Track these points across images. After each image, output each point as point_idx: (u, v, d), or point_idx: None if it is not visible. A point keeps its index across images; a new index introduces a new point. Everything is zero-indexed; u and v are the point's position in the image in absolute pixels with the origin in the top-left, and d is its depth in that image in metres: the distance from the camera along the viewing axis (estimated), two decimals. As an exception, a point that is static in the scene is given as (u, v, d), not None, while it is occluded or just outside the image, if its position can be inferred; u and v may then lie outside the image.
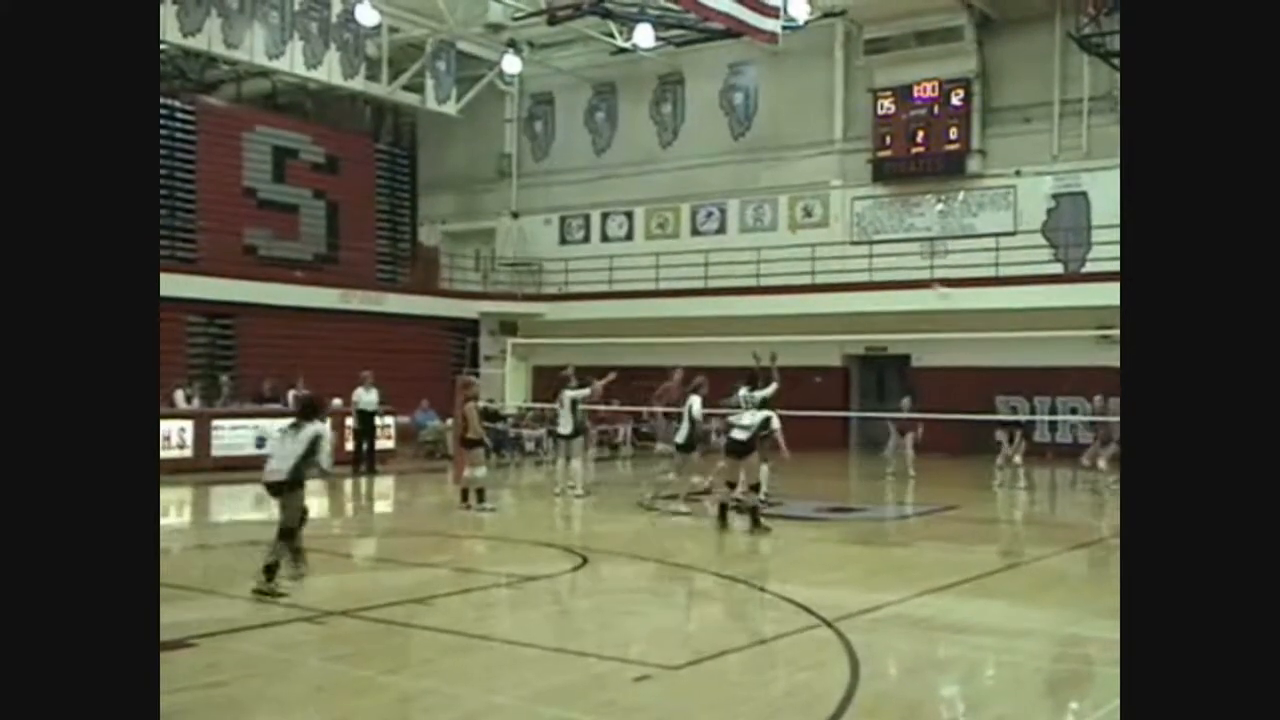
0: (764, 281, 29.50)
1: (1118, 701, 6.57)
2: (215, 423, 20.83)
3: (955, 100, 28.19)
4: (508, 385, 28.60)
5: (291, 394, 23.32)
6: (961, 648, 8.38)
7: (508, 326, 31.60)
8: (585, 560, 11.40)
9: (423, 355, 28.64)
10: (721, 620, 8.94)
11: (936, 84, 28.29)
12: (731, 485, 13.32)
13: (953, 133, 28.32)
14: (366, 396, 18.00)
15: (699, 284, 30.46)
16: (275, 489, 9.24)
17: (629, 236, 33.69)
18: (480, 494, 15.14)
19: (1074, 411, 25.56)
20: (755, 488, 13.30)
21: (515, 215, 35.24)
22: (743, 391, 14.18)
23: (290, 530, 9.23)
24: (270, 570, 9.07)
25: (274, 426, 9.84)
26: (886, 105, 28.98)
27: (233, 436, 20.93)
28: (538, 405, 27.37)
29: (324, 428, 9.36)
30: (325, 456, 9.27)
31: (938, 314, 24.94)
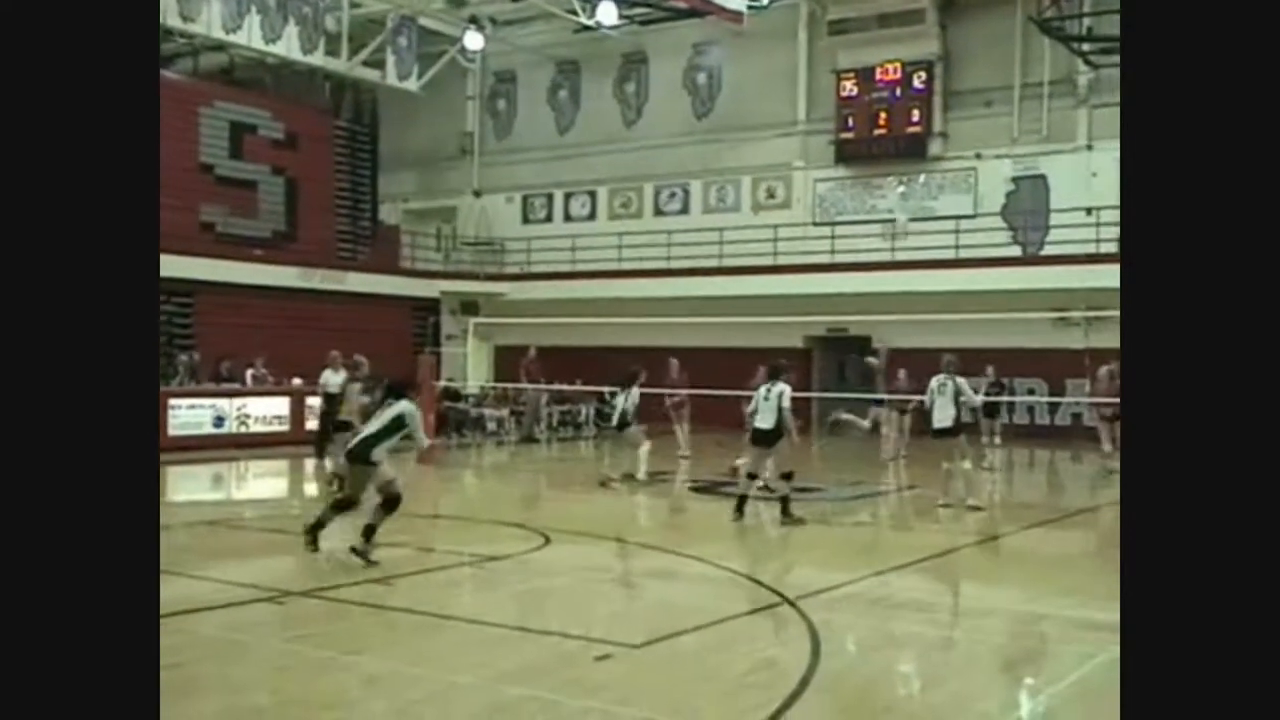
0: (726, 262, 29.53)
1: (1072, 677, 6.68)
2: (172, 402, 20.62)
3: (917, 83, 28.29)
4: (469, 365, 28.50)
5: (250, 373, 23.19)
6: (921, 626, 8.44)
7: (469, 306, 31.47)
8: (547, 540, 11.39)
9: (383, 335, 28.43)
10: (683, 599, 8.97)
11: (899, 66, 28.37)
12: (753, 476, 13.02)
13: (914, 115, 28.42)
14: (334, 378, 17.81)
15: (662, 264, 30.44)
16: (351, 458, 9.91)
17: (592, 216, 33.61)
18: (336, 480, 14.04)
19: (1031, 392, 25.81)
20: (787, 476, 12.80)
21: (477, 194, 35.06)
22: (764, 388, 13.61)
23: (394, 499, 9.75)
24: (370, 532, 9.58)
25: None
26: (849, 87, 29.03)
27: (189, 416, 20.76)
28: (500, 385, 27.33)
29: (409, 406, 9.90)
30: (418, 433, 9.95)
31: (898, 296, 25.07)
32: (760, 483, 13.12)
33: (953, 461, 14.32)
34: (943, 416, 14.18)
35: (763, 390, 12.81)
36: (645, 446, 16.35)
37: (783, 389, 12.69)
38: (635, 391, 16.57)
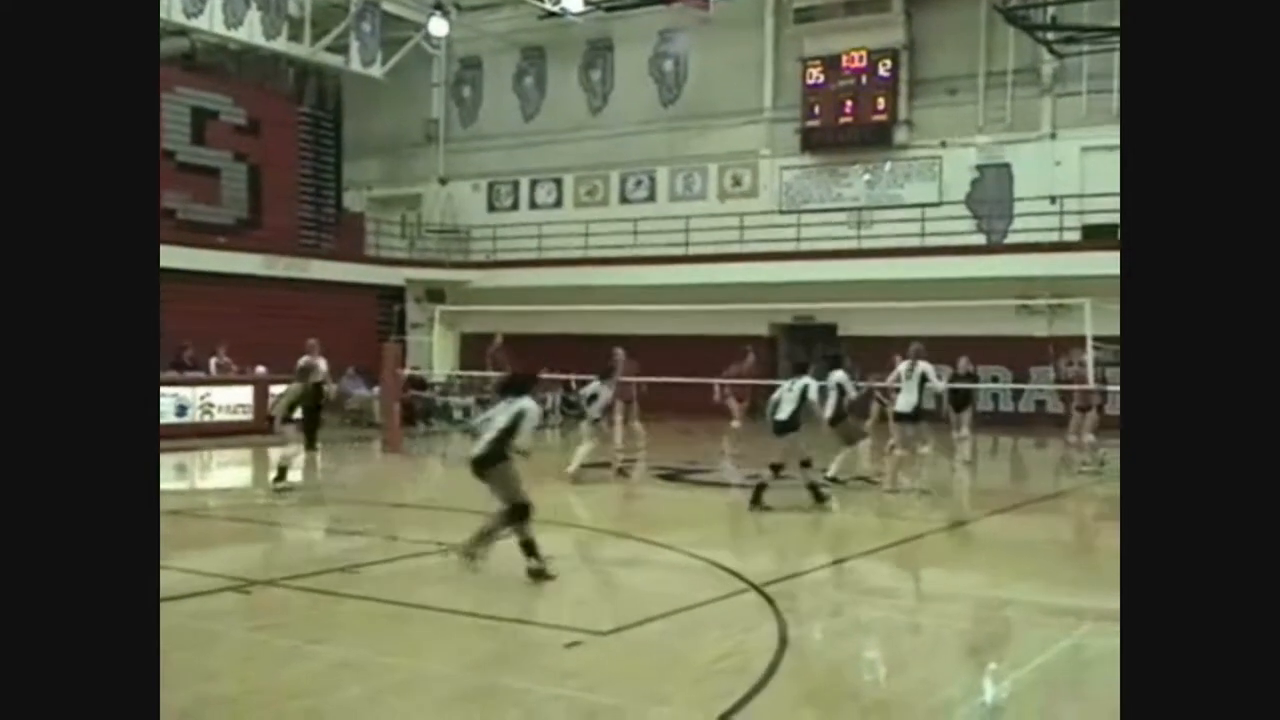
0: (693, 250, 29.56)
1: (1036, 661, 6.75)
2: (136, 390, 20.40)
3: (883, 71, 28.38)
4: (435, 353, 28.40)
5: (213, 362, 23.01)
6: (887, 611, 8.51)
7: (435, 294, 31.35)
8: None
9: (348, 323, 28.30)
10: (652, 586, 8.99)
11: (865, 54, 28.46)
12: (776, 468, 12.97)
13: (880, 103, 28.52)
14: (321, 365, 17.62)
15: (628, 252, 30.43)
16: (477, 466, 8.81)
17: (558, 204, 33.55)
18: (282, 472, 13.61)
19: (995, 380, 25.98)
20: (807, 464, 12.81)
21: (443, 181, 34.92)
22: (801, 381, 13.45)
23: (520, 507, 8.72)
24: (530, 548, 8.68)
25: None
26: (815, 75, 29.10)
27: (152, 404, 20.56)
28: (466, 373, 27.25)
29: (532, 405, 8.93)
30: (526, 435, 8.79)
31: (864, 283, 25.17)
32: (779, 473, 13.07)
33: (909, 448, 14.48)
34: (905, 402, 14.35)
35: (786, 384, 12.90)
36: (587, 445, 15.63)
37: (806, 383, 12.77)
38: (601, 385, 16.06)
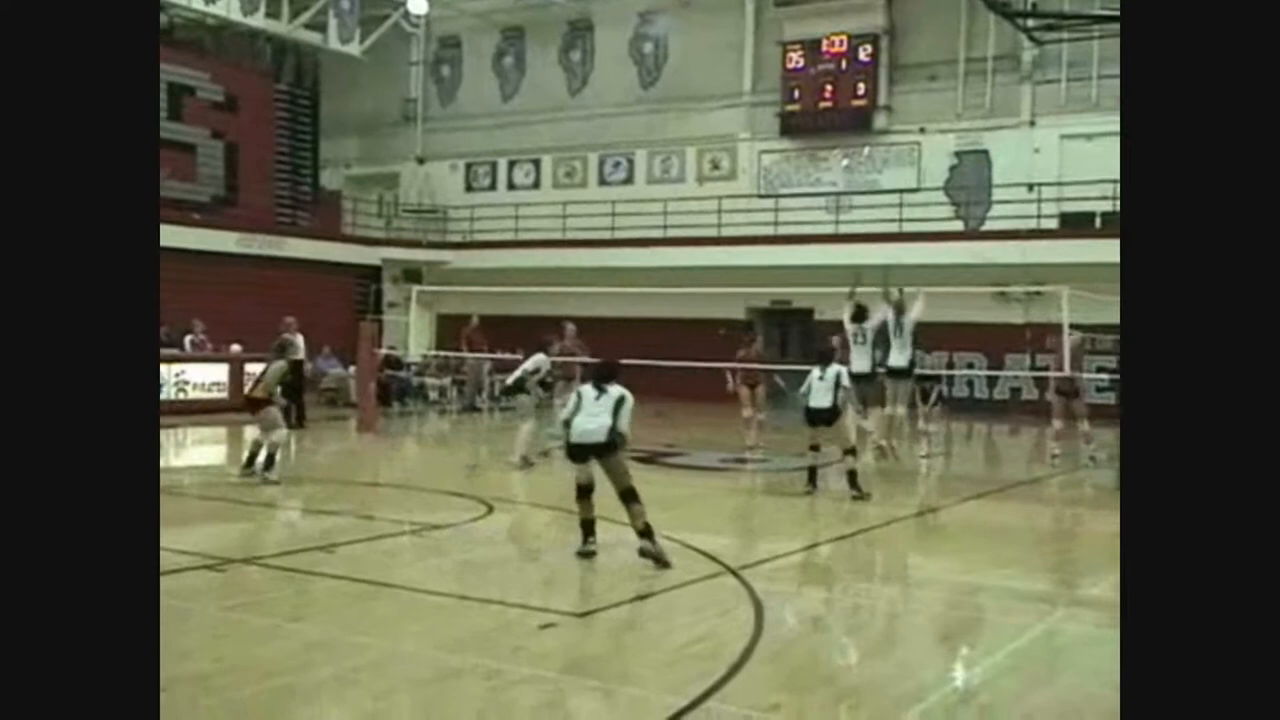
0: (671, 233, 29.52)
1: (1009, 647, 6.78)
2: (109, 367, 20.26)
3: (863, 55, 28.37)
4: (411, 334, 28.33)
5: (188, 339, 22.87)
6: (862, 596, 8.55)
7: (412, 274, 31.23)
8: (490, 509, 11.38)
9: (324, 302, 28.17)
10: (627, 568, 8.98)
11: (845, 39, 28.44)
12: (815, 448, 13.00)
13: (860, 88, 28.52)
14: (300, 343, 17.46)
15: (606, 234, 30.38)
16: (597, 451, 8.87)
17: (536, 185, 33.45)
18: (270, 460, 12.97)
19: (971, 366, 26.09)
20: (851, 451, 12.86)
21: (421, 161, 34.77)
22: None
23: (630, 490, 8.80)
24: (646, 533, 8.70)
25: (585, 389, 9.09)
26: (795, 59, 29.06)
27: (127, 382, 20.41)
28: (442, 354, 27.18)
29: (627, 393, 9.06)
30: (625, 420, 8.91)
31: (841, 268, 25.16)
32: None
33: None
34: (861, 364, 15.08)
35: (816, 372, 12.84)
36: (527, 425, 15.22)
37: (839, 370, 12.83)
38: (542, 360, 15.49)
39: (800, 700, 5.68)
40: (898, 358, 15.58)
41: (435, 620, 7.13)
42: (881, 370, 15.71)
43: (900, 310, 15.58)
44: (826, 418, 12.76)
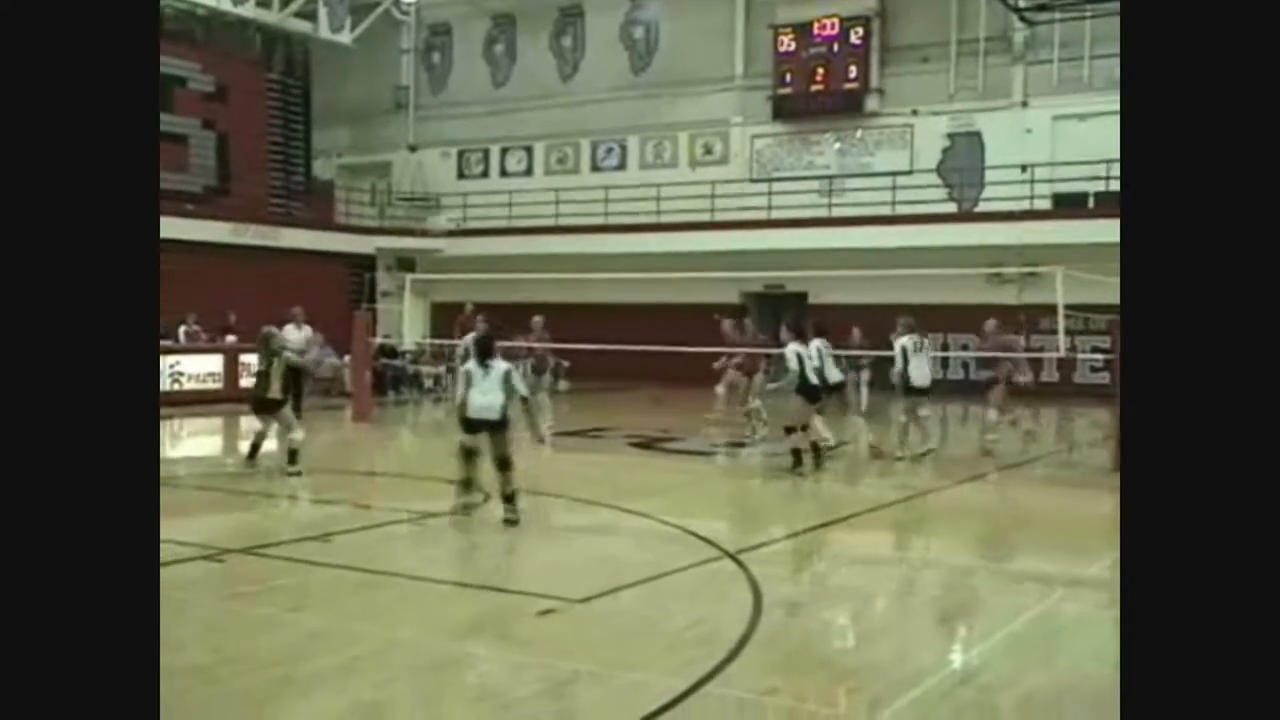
0: (663, 218, 29.53)
1: (1005, 630, 6.80)
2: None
3: (854, 38, 28.34)
4: (405, 322, 28.28)
5: (182, 330, 22.84)
6: (858, 579, 8.57)
7: (405, 262, 31.20)
8: (486, 496, 11.37)
9: (318, 291, 28.11)
10: (625, 554, 9.01)
11: (836, 21, 28.40)
12: (805, 428, 13.20)
13: (852, 71, 28.49)
14: (297, 335, 17.33)
15: (599, 220, 30.37)
16: (491, 426, 9.80)
17: (528, 172, 33.42)
18: (293, 455, 12.78)
19: (965, 348, 26.11)
20: (791, 430, 13.17)
21: (413, 149, 34.71)
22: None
23: (506, 459, 9.81)
24: (511, 499, 9.75)
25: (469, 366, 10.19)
26: (787, 42, 29.02)
27: (122, 373, 20.37)
28: (436, 342, 27.15)
29: (509, 365, 10.20)
30: (521, 388, 10.08)
31: (835, 252, 25.20)
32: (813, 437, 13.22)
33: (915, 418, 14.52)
34: (922, 375, 14.53)
35: (820, 344, 13.26)
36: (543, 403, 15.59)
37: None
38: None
39: (798, 683, 5.70)
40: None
41: (434, 608, 7.14)
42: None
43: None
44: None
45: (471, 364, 10.06)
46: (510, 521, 9.59)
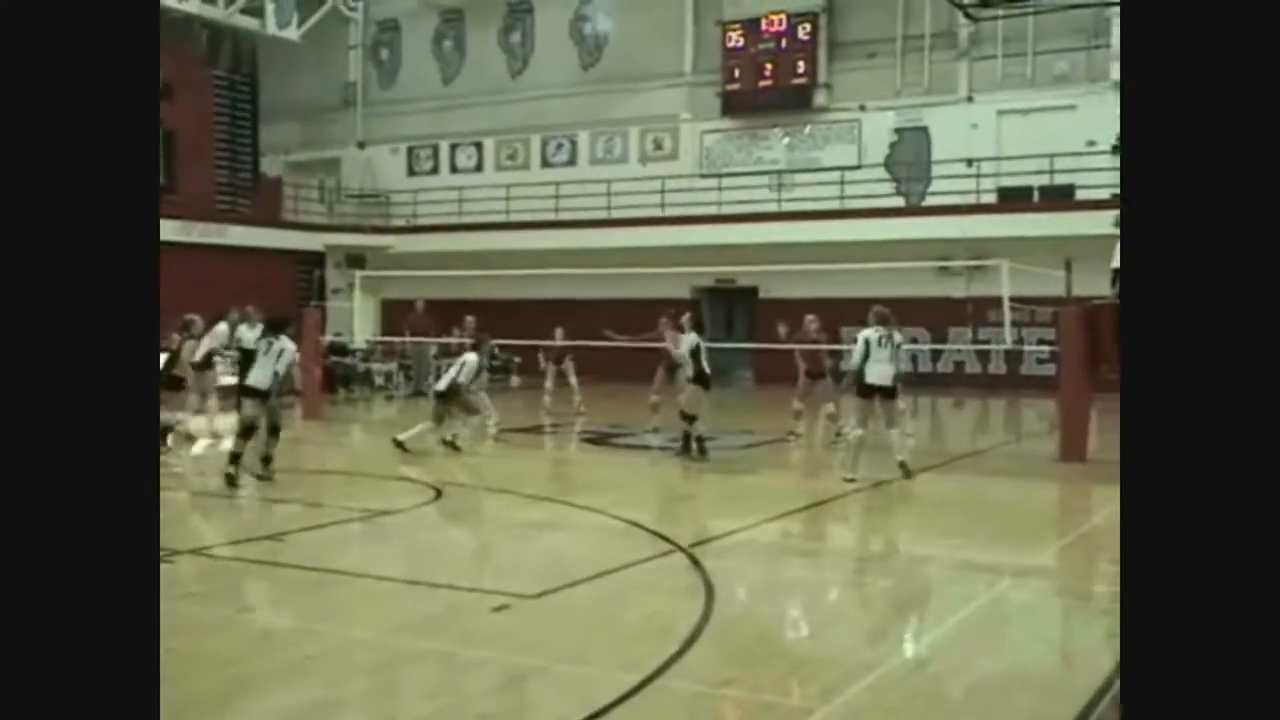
0: (614, 214, 29.52)
1: (956, 617, 6.90)
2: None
3: (802, 34, 28.46)
4: (356, 319, 28.12)
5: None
6: (811, 571, 8.65)
7: (355, 259, 30.99)
8: (439, 493, 11.37)
9: (267, 289, 27.83)
10: (577, 549, 9.04)
11: (784, 17, 28.50)
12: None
13: (800, 66, 28.61)
14: (249, 334, 17.23)
15: (549, 216, 30.32)
16: (263, 395, 11.66)
17: (478, 168, 33.28)
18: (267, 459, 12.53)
19: (915, 341, 26.33)
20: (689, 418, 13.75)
21: (361, 146, 34.47)
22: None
23: (276, 428, 11.96)
24: (268, 460, 11.82)
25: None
26: (735, 38, 29.10)
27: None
28: (387, 339, 27.03)
29: (288, 344, 11.82)
30: (283, 367, 11.71)
31: (785, 246, 25.33)
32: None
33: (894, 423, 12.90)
34: (881, 373, 12.42)
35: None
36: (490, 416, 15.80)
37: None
38: (469, 358, 15.34)
39: (753, 674, 5.75)
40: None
41: (387, 606, 7.14)
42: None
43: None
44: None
45: (261, 339, 12.28)
46: (262, 477, 11.62)
